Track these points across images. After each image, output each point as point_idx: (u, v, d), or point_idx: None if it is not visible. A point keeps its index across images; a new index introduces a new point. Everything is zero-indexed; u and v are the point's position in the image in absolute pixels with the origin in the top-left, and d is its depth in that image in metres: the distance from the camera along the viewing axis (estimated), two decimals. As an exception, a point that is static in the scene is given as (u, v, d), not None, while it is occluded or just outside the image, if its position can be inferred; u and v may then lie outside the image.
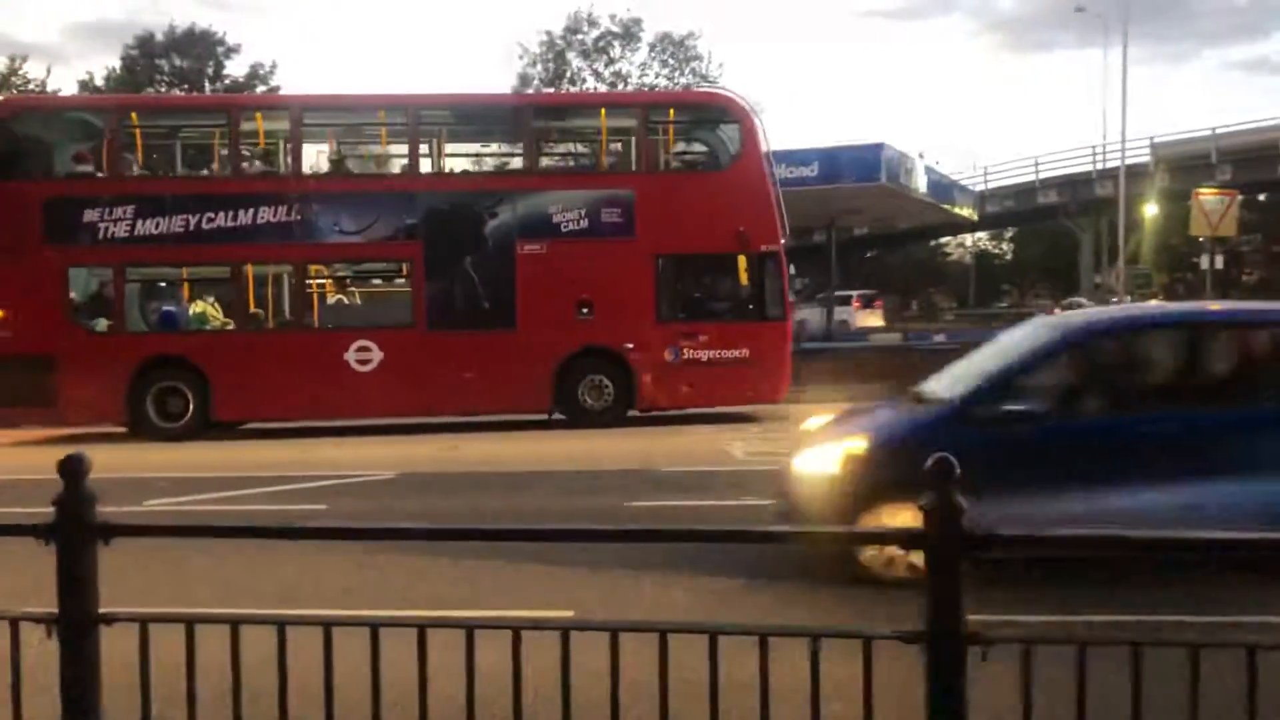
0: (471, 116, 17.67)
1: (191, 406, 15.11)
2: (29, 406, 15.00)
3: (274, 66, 46.07)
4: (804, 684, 2.39)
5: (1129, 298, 38.48)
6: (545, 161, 16.85)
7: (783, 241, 15.90)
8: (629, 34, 45.37)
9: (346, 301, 16.97)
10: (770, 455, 12.04)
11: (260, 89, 43.07)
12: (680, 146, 17.30)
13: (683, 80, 45.26)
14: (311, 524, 4.09)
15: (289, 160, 16.31)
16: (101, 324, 15.50)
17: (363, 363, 15.30)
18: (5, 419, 15.19)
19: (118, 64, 44.94)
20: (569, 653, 2.49)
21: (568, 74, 45.42)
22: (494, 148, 18.33)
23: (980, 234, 60.99)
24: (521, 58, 45.63)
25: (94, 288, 15.89)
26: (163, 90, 44.54)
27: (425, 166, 16.35)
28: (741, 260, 15.66)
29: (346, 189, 16.22)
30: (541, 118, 17.10)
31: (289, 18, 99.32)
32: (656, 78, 45.53)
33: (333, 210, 15.68)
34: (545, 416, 15.78)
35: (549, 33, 45.20)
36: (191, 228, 15.28)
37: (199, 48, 44.79)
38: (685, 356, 15.59)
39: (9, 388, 14.75)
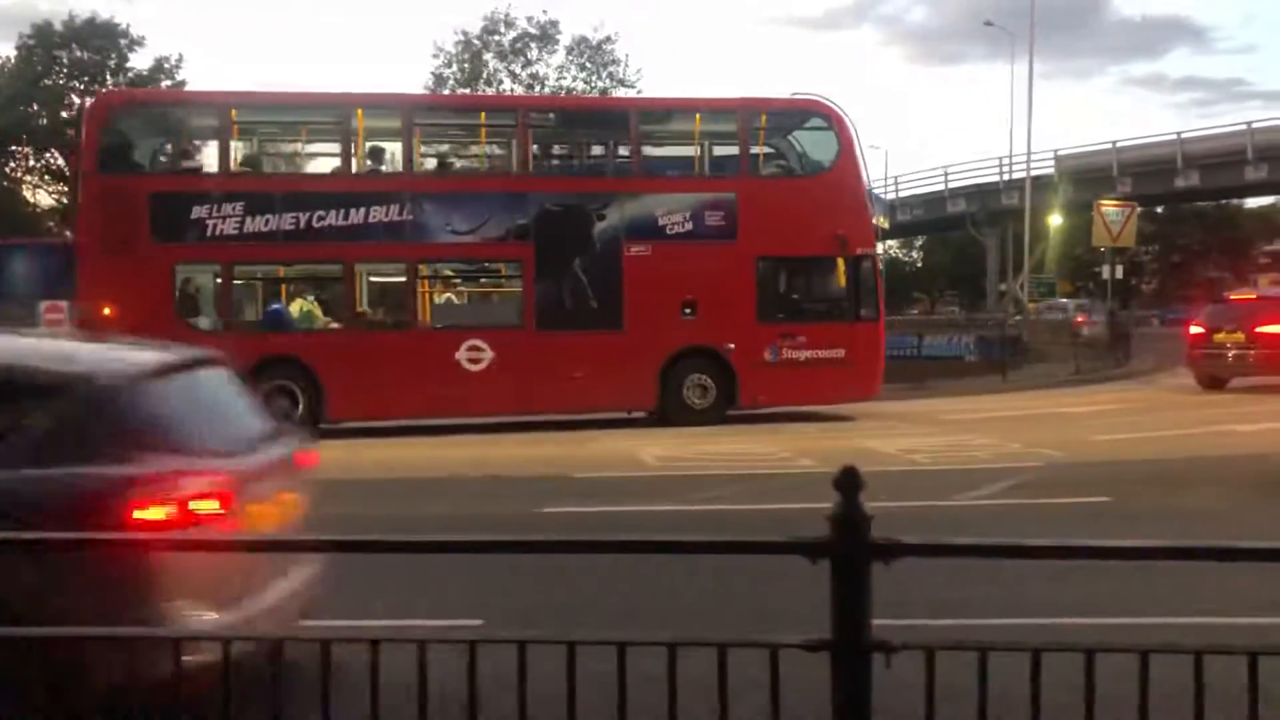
0: (578, 119, 17.84)
1: (301, 406, 14.66)
2: None
3: (180, 60, 44.92)
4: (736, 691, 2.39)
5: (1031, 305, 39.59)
6: (650, 165, 17.13)
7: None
8: (546, 36, 45.12)
9: (457, 301, 16.92)
10: (681, 460, 12.14)
11: (165, 83, 41.91)
12: (779, 151, 17.64)
13: (600, 84, 45.23)
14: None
15: (401, 159, 16.16)
16: (211, 323, 15.28)
17: (474, 362, 15.29)
18: None
19: (12, 53, 43.42)
20: (475, 664, 2.45)
21: (484, 75, 45.04)
22: (600, 150, 18.27)
23: (890, 241, 62.13)
24: (436, 57, 45.15)
25: (203, 286, 15.64)
26: (61, 83, 43.13)
27: (535, 168, 16.46)
28: (839, 263, 16.07)
29: (458, 189, 16.22)
30: (647, 121, 17.13)
31: (196, 10, 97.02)
32: (574, 80, 45.41)
33: (444, 210, 15.61)
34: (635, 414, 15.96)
35: (465, 33, 44.80)
36: (301, 226, 15.04)
37: (100, 39, 43.41)
38: (784, 356, 15.89)
39: None
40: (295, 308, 16.03)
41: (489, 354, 15.30)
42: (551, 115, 17.23)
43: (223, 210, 14.85)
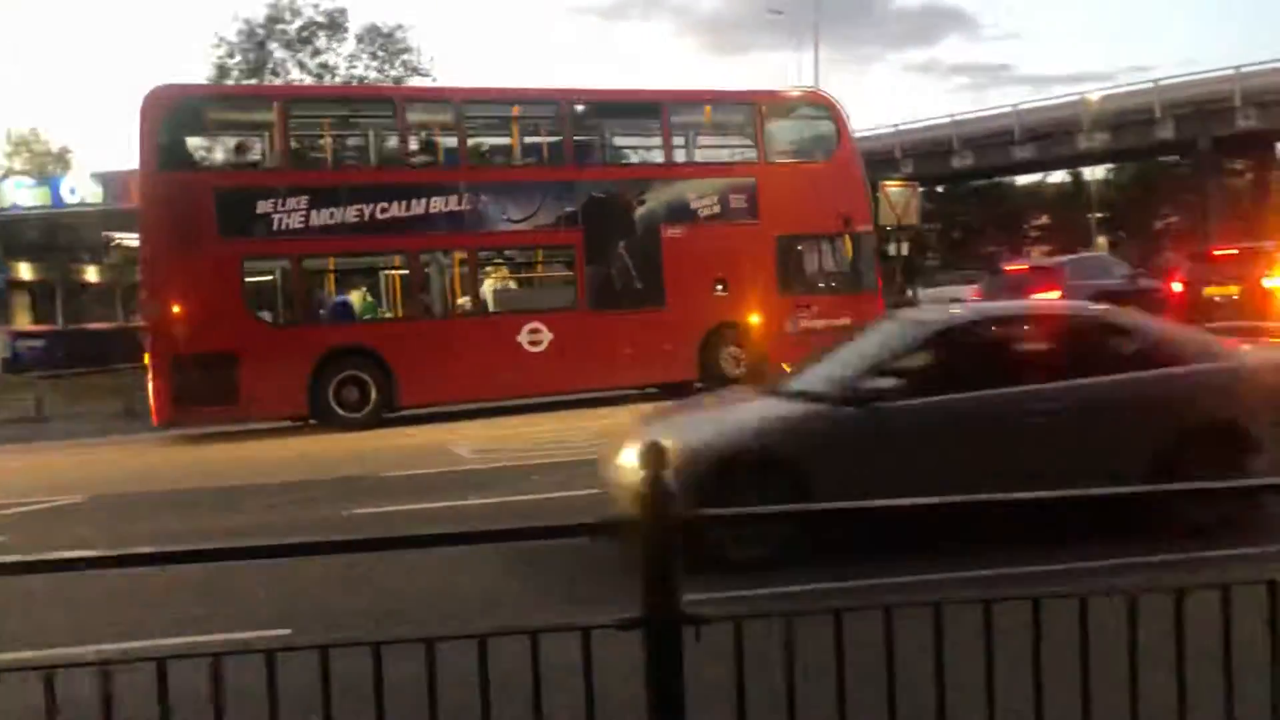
0: (616, 110, 18.59)
1: (374, 395, 15.16)
2: (213, 405, 14.72)
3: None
4: (561, 676, 2.35)
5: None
6: (681, 153, 18.10)
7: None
8: (334, 25, 43.66)
9: (515, 286, 17.40)
10: (497, 454, 12.02)
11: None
12: (789, 139, 18.97)
13: (394, 73, 44.14)
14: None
15: (455, 150, 16.52)
16: (281, 317, 15.59)
17: (534, 344, 16.09)
18: (191, 419, 15.14)
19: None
20: (275, 674, 2.33)
21: (270, 65, 43.24)
22: (639, 140, 19.03)
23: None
24: (218, 47, 43.05)
25: (271, 280, 15.77)
26: None
27: (581, 158, 17.18)
28: (844, 239, 17.88)
29: (513, 178, 16.86)
30: (677, 112, 17.97)
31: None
32: (366, 70, 44.17)
33: (500, 199, 16.27)
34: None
35: (248, 21, 42.86)
36: (365, 218, 15.39)
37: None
38: (801, 326, 17.25)
39: (194, 387, 14.43)
40: (356, 299, 16.34)
41: (547, 335, 16.15)
42: (593, 106, 18.09)
43: (287, 204, 15.05)
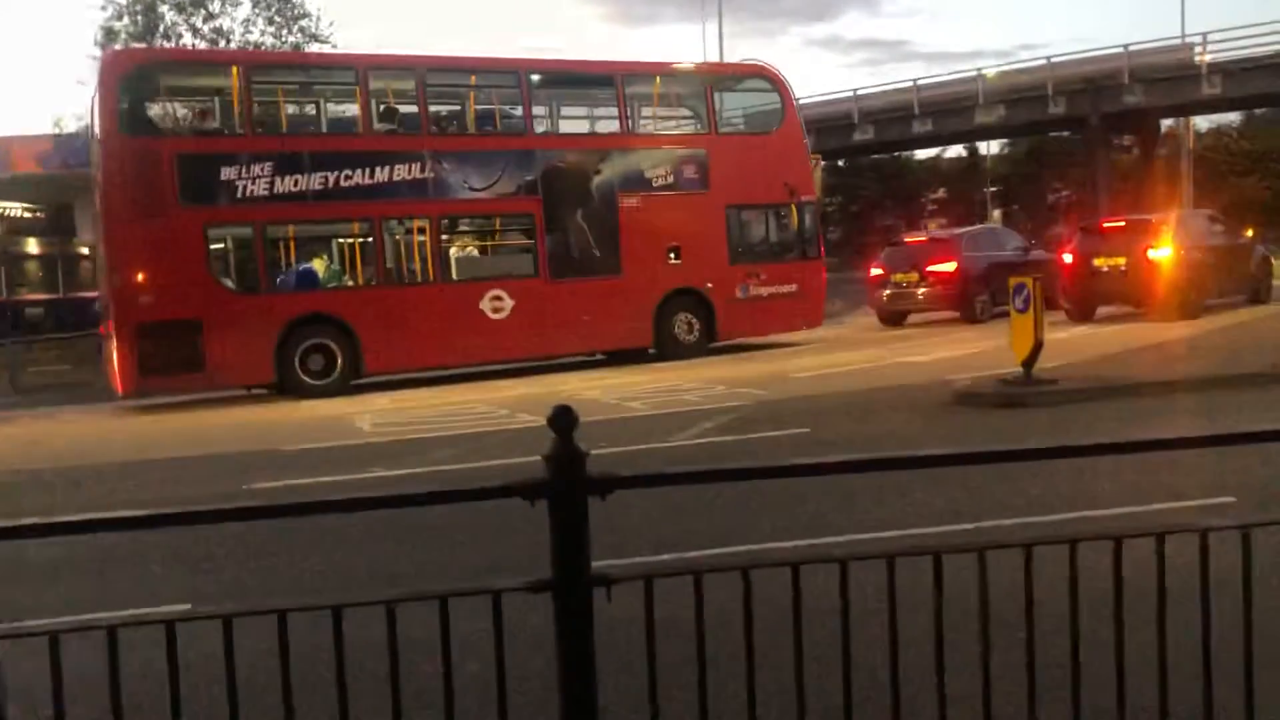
0: (573, 80, 19.00)
1: (340, 362, 15.22)
2: (179, 372, 14.59)
3: None
4: (472, 642, 2.32)
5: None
6: (636, 124, 18.38)
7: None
8: (228, -13, 42.26)
9: (478, 254, 17.39)
10: (398, 425, 11.87)
11: None
12: (737, 112, 19.61)
13: (291, 39, 42.92)
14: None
15: (417, 118, 16.42)
16: (246, 284, 15.47)
17: (496, 311, 16.30)
18: (157, 387, 14.92)
19: None
20: (175, 647, 2.26)
21: (161, 29, 41.69)
22: (594, 111, 19.31)
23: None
24: (105, 9, 41.34)
25: (235, 247, 15.69)
26: None
27: (540, 127, 17.52)
28: (790, 209, 18.47)
29: (474, 147, 16.92)
30: (631, 84, 18.17)
31: None
32: (262, 35, 42.87)
33: (462, 167, 16.42)
34: None
35: (136, -18, 41.19)
36: (329, 185, 15.37)
37: None
38: (752, 293, 18.03)
39: (159, 355, 14.29)
40: (320, 266, 16.18)
41: (509, 303, 16.40)
42: (549, 76, 18.37)
43: (251, 171, 14.93)
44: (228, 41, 42.05)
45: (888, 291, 21.07)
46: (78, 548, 5.83)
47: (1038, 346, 10.63)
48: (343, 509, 2.40)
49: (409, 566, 5.96)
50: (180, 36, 42.02)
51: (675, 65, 19.55)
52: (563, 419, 2.33)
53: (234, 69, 16.31)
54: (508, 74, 17.51)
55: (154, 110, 15.65)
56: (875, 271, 21.38)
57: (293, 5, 43.29)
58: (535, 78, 17.62)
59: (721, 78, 19.49)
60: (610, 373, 16.35)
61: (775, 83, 18.91)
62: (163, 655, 2.23)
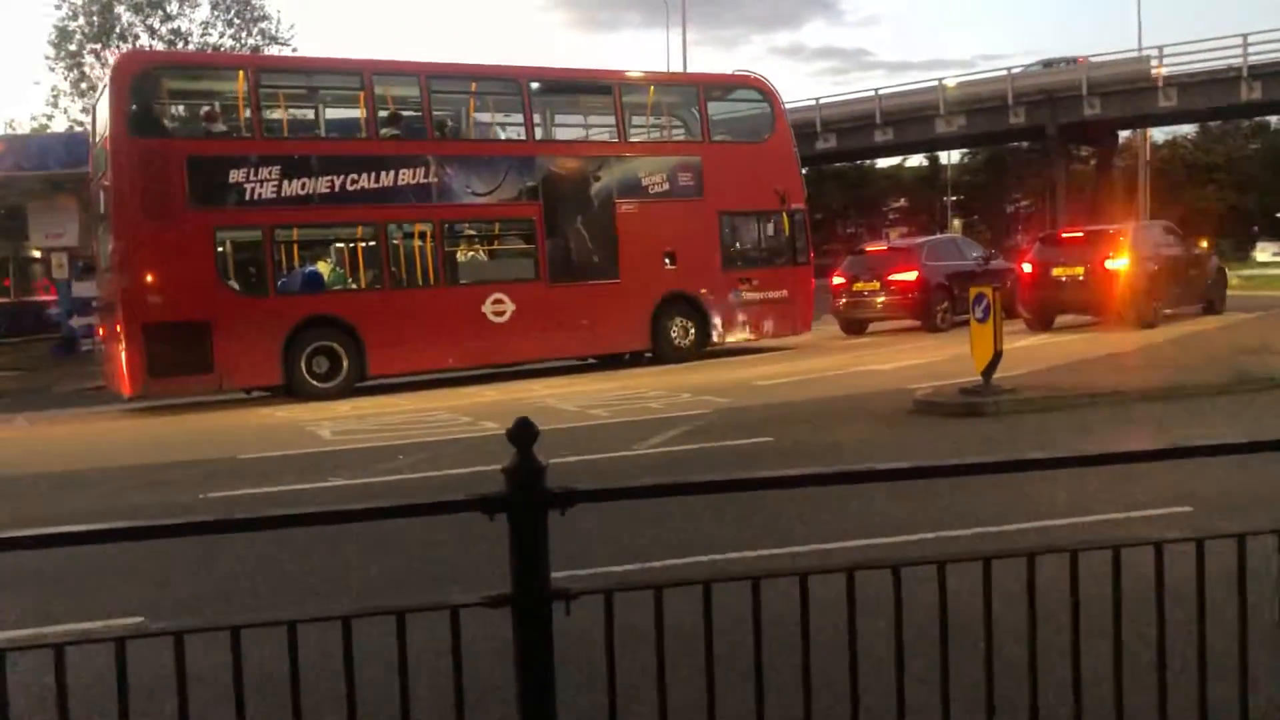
0: (572, 88, 19.19)
1: (346, 364, 15.34)
2: (189, 374, 14.59)
3: None
4: (429, 657, 2.29)
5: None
6: (632, 132, 18.60)
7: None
8: (187, -12, 41.83)
9: (480, 258, 17.46)
10: (358, 432, 11.77)
11: None
12: (729, 120, 19.82)
13: (251, 41, 42.58)
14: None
15: (422, 124, 16.60)
16: (253, 286, 15.38)
17: (498, 314, 16.48)
18: (166, 389, 14.85)
19: None
20: (125, 664, 2.21)
21: (117, 29, 41.20)
22: (592, 118, 19.56)
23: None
24: (59, 8, 40.80)
25: (243, 249, 15.63)
26: None
27: (540, 134, 17.76)
28: (780, 216, 18.83)
29: (477, 153, 17.28)
30: (628, 92, 18.55)
31: None
32: (221, 37, 42.51)
33: (465, 172, 16.56)
34: None
35: (92, -18, 40.67)
36: (336, 189, 15.51)
37: None
38: (743, 298, 18.39)
39: (168, 356, 14.29)
40: (325, 269, 16.22)
41: (510, 306, 16.55)
42: (550, 84, 18.51)
43: (259, 174, 15.03)
44: (185, 43, 41.71)
45: (849, 300, 21.20)
46: (19, 558, 5.70)
47: (997, 356, 10.72)
48: (299, 523, 2.36)
49: (366, 577, 5.89)
50: (137, 38, 41.61)
51: (670, 75, 20.28)
52: (523, 433, 2.31)
53: (242, 72, 16.41)
54: (509, 81, 17.72)
55: (163, 112, 15.69)
56: (837, 280, 21.49)
57: (252, 7, 43.12)
58: (535, 85, 17.82)
59: (714, 87, 19.80)
60: (576, 379, 16.33)
61: (766, 93, 19.34)
62: (113, 671, 2.19)
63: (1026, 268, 19.13)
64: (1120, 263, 18.01)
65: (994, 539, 5.73)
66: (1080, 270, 18.34)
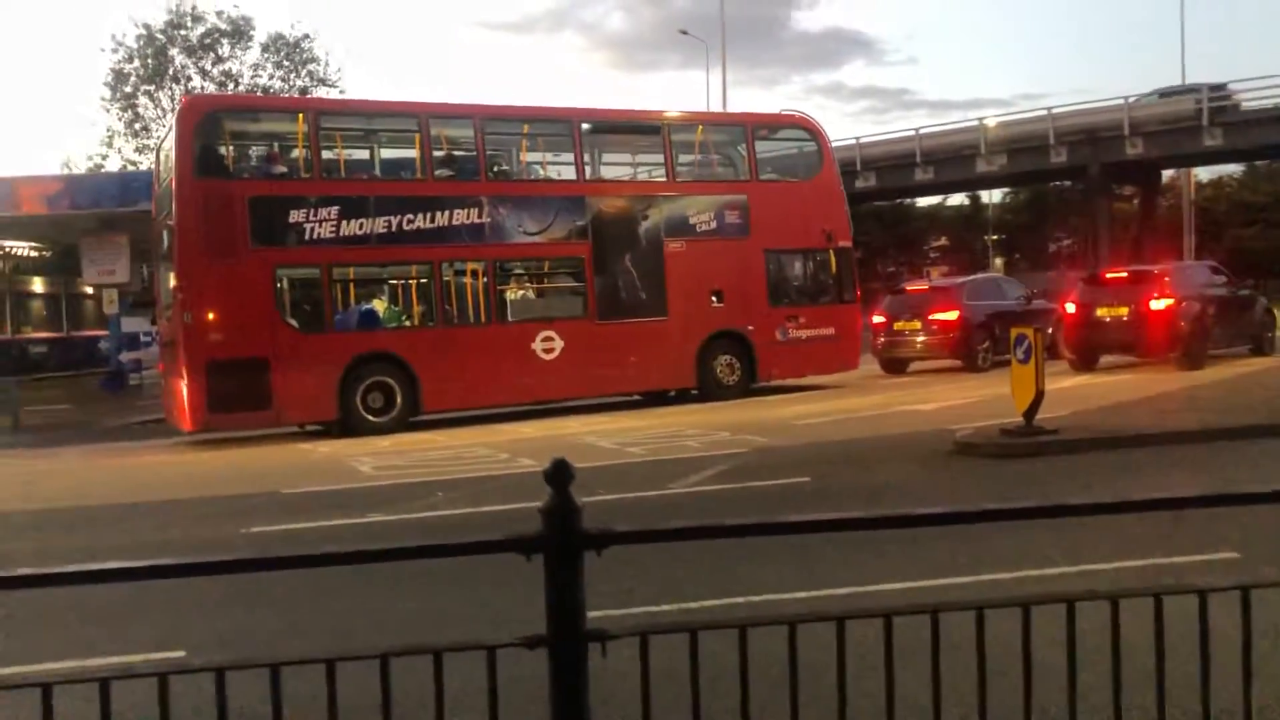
0: (622, 128, 19.40)
1: (400, 400, 15.54)
2: (247, 409, 14.87)
3: None
4: (468, 695, 2.30)
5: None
6: (681, 171, 18.76)
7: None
8: (239, 32, 42.87)
9: (530, 296, 17.73)
10: (398, 468, 11.85)
11: None
12: (777, 159, 20.12)
13: (299, 83, 43.45)
14: None
15: (475, 165, 16.89)
16: (311, 323, 15.74)
17: (547, 351, 16.67)
18: (225, 423, 15.12)
19: None
20: (167, 700, 2.25)
21: (170, 71, 42.22)
22: (641, 157, 19.83)
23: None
24: (115, 52, 41.89)
25: (301, 287, 16.09)
26: None
27: (591, 174, 18.03)
28: (827, 254, 18.96)
29: (527, 193, 17.48)
30: (677, 132, 18.83)
31: None
32: (271, 79, 43.43)
33: (517, 212, 16.81)
34: None
35: (148, 26, 41.80)
36: (393, 229, 15.82)
37: None
38: (790, 335, 18.45)
39: (228, 392, 14.60)
40: (380, 306, 16.65)
41: (559, 343, 16.75)
42: (599, 124, 18.78)
43: (319, 214, 15.35)
44: (236, 84, 42.66)
45: (890, 339, 21.09)
46: (62, 589, 5.78)
47: (1039, 397, 10.61)
48: (338, 562, 2.39)
49: (404, 614, 5.92)
50: (189, 79, 42.60)
51: (718, 115, 20.36)
52: (559, 474, 2.33)
53: (303, 115, 16.80)
54: (561, 122, 17.99)
55: (227, 154, 16.05)
56: (877, 319, 21.40)
57: (301, 50, 44.05)
58: (586, 126, 18.04)
59: (762, 126, 19.89)
60: (616, 415, 16.35)
61: (814, 132, 19.52)
62: (153, 704, 2.22)
63: (1070, 308, 18.95)
64: (1165, 303, 17.80)
65: (1035, 582, 5.66)
66: (1125, 310, 18.15)
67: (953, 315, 20.45)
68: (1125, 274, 19.62)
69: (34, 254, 38.74)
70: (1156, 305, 17.85)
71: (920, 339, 20.73)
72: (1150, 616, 2.48)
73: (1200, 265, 21.47)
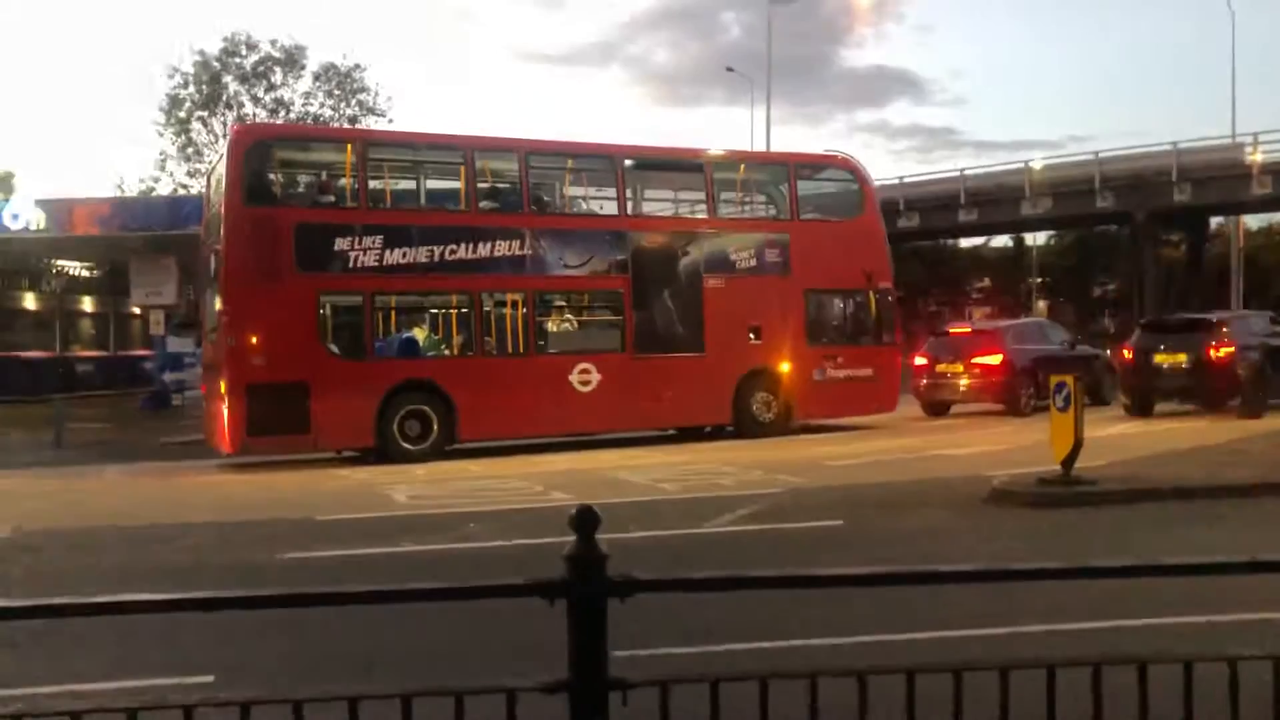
0: (664, 165, 19.48)
1: (437, 428, 15.67)
2: (286, 433, 15.00)
3: None
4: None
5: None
6: (722, 209, 18.85)
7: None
8: (292, 61, 43.65)
9: (568, 328, 17.81)
10: (432, 498, 11.91)
11: None
12: (818, 199, 20.16)
13: (349, 111, 44.11)
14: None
15: (519, 198, 17.07)
16: (352, 350, 15.86)
17: (584, 384, 16.71)
18: (263, 447, 15.29)
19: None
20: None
21: (224, 97, 43.04)
22: (682, 194, 19.89)
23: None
24: (171, 78, 42.78)
25: (344, 314, 16.18)
26: None
27: (632, 209, 18.35)
28: (867, 295, 18.81)
29: (569, 227, 17.69)
30: (719, 170, 18.83)
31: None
32: (321, 107, 44.11)
33: (558, 245, 17.00)
34: None
35: (203, 53, 42.67)
36: (435, 258, 16.02)
37: None
38: (828, 375, 18.35)
39: (268, 416, 14.76)
40: (420, 335, 16.81)
41: (597, 376, 16.78)
42: (641, 161, 18.88)
43: (363, 243, 15.56)
44: (287, 112, 43.41)
45: (931, 382, 20.96)
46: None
47: (1077, 445, 10.50)
48: (362, 600, 2.42)
49: (427, 649, 5.94)
50: (242, 106, 43.39)
51: (761, 154, 20.39)
52: (585, 521, 2.35)
53: (350, 146, 17.10)
54: (604, 158, 18.15)
55: (275, 182, 16.36)
56: (919, 361, 21.28)
57: (352, 80, 44.75)
58: (629, 163, 18.20)
59: (805, 166, 19.99)
60: (650, 450, 16.35)
61: (855, 173, 19.64)
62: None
63: (1127, 354, 18.94)
64: (1225, 351, 17.73)
65: (1064, 636, 5.59)
66: (1183, 358, 18.11)
67: (996, 359, 20.30)
68: (1184, 321, 19.60)
69: (85, 273, 39.47)
70: (1215, 354, 17.77)
71: (963, 382, 20.58)
72: (1179, 683, 2.46)
73: (1261, 315, 21.27)
